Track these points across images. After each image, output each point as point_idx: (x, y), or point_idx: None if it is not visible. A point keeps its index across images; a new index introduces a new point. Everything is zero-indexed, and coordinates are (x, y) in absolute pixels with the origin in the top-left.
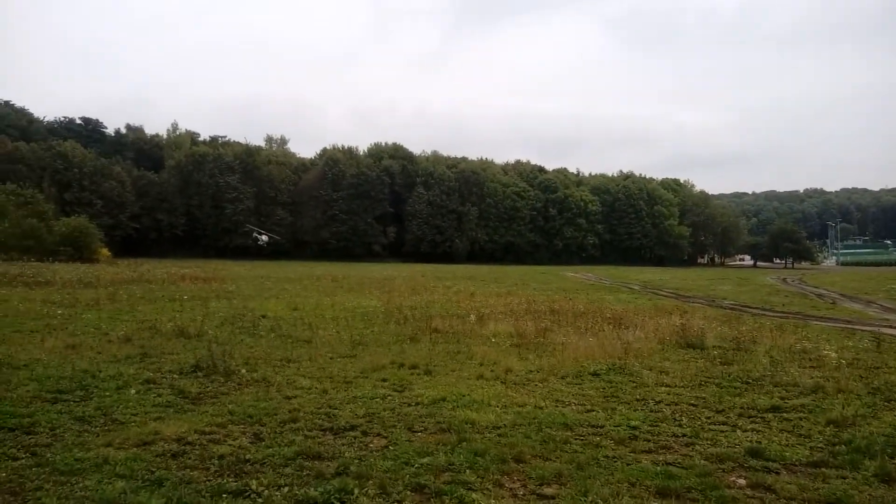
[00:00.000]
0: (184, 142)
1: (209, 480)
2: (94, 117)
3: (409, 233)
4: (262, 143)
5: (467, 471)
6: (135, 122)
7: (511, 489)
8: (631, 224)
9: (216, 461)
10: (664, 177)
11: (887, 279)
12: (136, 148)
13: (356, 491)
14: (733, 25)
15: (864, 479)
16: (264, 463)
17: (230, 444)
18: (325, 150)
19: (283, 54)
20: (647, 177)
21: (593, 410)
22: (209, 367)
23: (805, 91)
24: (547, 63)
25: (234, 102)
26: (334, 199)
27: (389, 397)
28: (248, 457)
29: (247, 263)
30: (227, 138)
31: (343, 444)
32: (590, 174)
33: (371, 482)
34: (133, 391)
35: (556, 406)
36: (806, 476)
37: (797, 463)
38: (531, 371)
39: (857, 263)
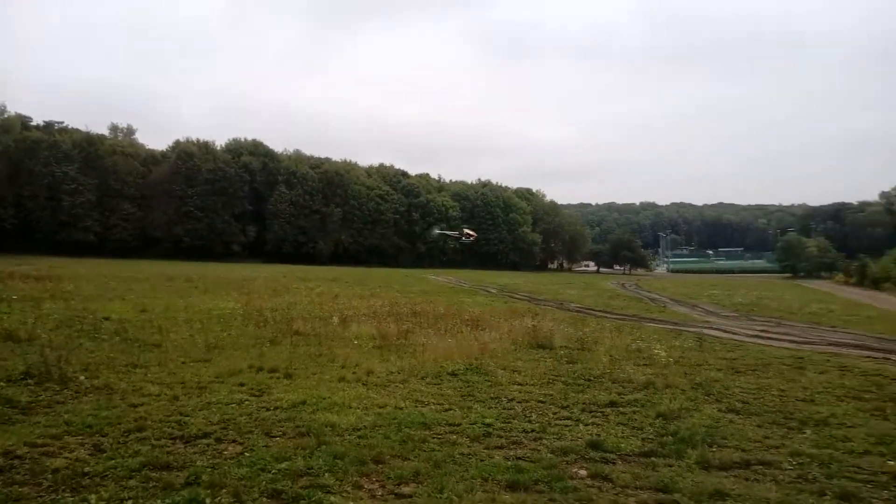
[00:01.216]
0: (13, 126)
1: (41, 496)
2: None
3: (270, 232)
4: (107, 132)
5: (326, 474)
6: None
7: (370, 490)
8: (488, 230)
9: (50, 475)
10: (517, 186)
11: (709, 285)
12: None
13: (208, 501)
14: (583, 46)
15: (687, 466)
16: (105, 476)
17: (66, 457)
18: (178, 142)
19: (132, 37)
20: (504, 185)
21: (451, 409)
22: (42, 374)
23: (646, 111)
24: (409, 69)
25: (75, 87)
26: (189, 194)
27: (246, 402)
28: (86, 470)
29: (87, 261)
30: (64, 124)
31: (195, 453)
32: (450, 181)
33: (224, 491)
34: None
35: (416, 406)
36: (638, 465)
37: (631, 453)
38: (392, 372)
39: (685, 271)
